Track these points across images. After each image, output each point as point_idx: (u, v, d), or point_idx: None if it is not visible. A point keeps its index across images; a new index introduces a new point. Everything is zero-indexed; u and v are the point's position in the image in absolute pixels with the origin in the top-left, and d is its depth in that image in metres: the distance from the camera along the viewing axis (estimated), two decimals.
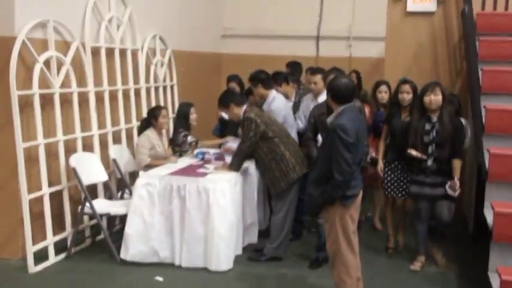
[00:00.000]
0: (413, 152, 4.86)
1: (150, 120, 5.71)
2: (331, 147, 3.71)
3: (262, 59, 8.43)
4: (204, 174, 5.07)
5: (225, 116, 5.95)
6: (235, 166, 5.15)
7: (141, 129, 5.75)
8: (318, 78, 5.73)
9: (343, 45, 8.71)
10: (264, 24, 9.06)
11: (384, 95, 5.79)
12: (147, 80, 6.81)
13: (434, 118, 4.83)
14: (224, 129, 6.48)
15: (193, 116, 6.05)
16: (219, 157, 5.82)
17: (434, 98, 4.80)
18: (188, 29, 8.05)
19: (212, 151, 6.07)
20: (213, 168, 5.29)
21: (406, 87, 5.15)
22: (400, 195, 5.32)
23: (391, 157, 5.25)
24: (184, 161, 5.66)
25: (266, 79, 5.74)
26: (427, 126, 4.83)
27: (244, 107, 5.22)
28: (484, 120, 5.14)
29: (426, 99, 4.83)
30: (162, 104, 7.02)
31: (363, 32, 8.54)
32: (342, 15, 8.71)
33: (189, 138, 5.97)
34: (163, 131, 5.86)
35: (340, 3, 8.74)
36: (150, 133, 5.63)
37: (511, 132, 5.07)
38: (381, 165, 5.32)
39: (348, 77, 4.70)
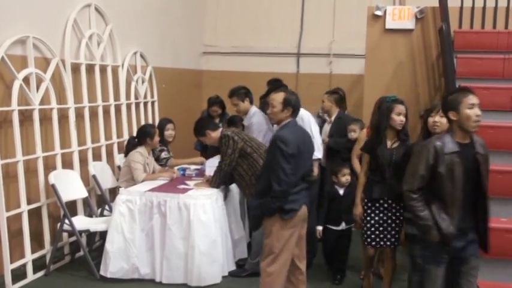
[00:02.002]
0: None
1: (142, 138, 5.73)
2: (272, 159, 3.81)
3: (243, 75, 8.53)
4: (184, 190, 5.08)
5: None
6: (216, 184, 5.18)
7: (131, 146, 5.75)
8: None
9: (324, 62, 8.87)
10: (245, 41, 9.15)
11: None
12: (128, 97, 6.83)
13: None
14: (204, 144, 6.52)
15: (168, 132, 6.13)
16: (200, 173, 5.85)
17: (440, 120, 4.04)
18: (169, 46, 8.11)
19: (193, 167, 6.10)
20: (194, 185, 5.32)
21: (402, 108, 4.28)
22: (389, 243, 4.38)
23: (377, 194, 4.32)
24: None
25: (248, 94, 5.86)
26: None
27: (220, 129, 5.33)
28: None
29: (430, 120, 4.13)
30: (142, 120, 7.09)
31: (343, 49, 8.69)
32: (323, 32, 8.86)
33: (163, 155, 6.04)
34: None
35: (320, 21, 8.89)
36: (142, 151, 5.67)
37: (491, 149, 5.21)
38: (359, 209, 4.44)
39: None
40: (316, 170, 5.31)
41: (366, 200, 4.40)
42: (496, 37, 6.23)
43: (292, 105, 3.92)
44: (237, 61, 9.15)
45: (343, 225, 5.13)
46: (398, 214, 4.34)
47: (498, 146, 5.01)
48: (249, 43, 9.13)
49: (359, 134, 5.53)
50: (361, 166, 4.61)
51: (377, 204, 4.35)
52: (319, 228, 5.16)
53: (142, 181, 5.47)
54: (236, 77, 8.34)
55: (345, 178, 5.11)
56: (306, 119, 5.33)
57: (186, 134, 6.67)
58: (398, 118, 4.27)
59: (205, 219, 4.86)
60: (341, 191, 5.13)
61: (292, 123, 3.95)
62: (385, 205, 4.34)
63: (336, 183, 5.15)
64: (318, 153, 5.34)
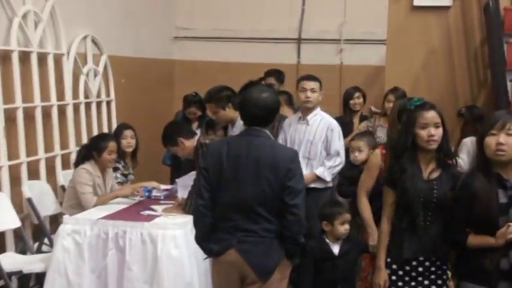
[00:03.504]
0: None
1: (89, 152, 5.67)
2: None
3: (226, 67, 8.54)
4: (150, 218, 5.03)
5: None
6: (191, 209, 5.03)
7: (81, 161, 5.71)
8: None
9: (332, 49, 8.83)
10: (229, 23, 9.14)
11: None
12: (76, 95, 6.77)
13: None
14: (176, 157, 6.43)
15: (125, 141, 6.11)
16: (171, 195, 5.79)
17: (507, 140, 3.40)
18: (130, 28, 8.06)
19: (162, 187, 6.06)
20: (162, 210, 5.26)
21: (431, 117, 3.71)
22: None
23: (410, 252, 3.79)
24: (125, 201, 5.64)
25: (231, 97, 5.79)
26: (502, 197, 3.44)
27: (197, 136, 5.33)
28: None
29: (490, 141, 3.44)
30: (95, 126, 7.00)
31: (357, 33, 8.68)
32: (331, 11, 8.84)
33: (118, 174, 5.98)
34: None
35: None
36: (90, 168, 5.59)
37: None
38: (383, 275, 3.88)
39: None
40: None
41: (389, 261, 3.86)
42: None
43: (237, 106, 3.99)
44: (219, 48, 9.12)
45: None
46: (440, 282, 3.84)
47: None
48: (234, 25, 9.11)
49: (368, 155, 5.00)
50: (383, 208, 3.95)
51: (408, 268, 3.82)
52: None
53: (95, 206, 5.40)
54: (218, 69, 8.35)
55: (344, 228, 4.47)
56: (336, 130, 5.74)
57: (153, 143, 6.57)
58: (425, 133, 3.68)
59: (177, 255, 4.79)
60: (335, 249, 4.50)
61: (243, 132, 3.94)
62: (420, 268, 3.81)
63: (328, 236, 4.54)
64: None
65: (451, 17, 6.92)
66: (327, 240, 4.52)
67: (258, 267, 3.76)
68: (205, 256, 3.99)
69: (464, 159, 5.52)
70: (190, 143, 5.23)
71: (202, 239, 3.90)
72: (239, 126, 5.75)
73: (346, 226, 4.48)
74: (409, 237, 3.77)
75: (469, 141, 5.84)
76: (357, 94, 7.17)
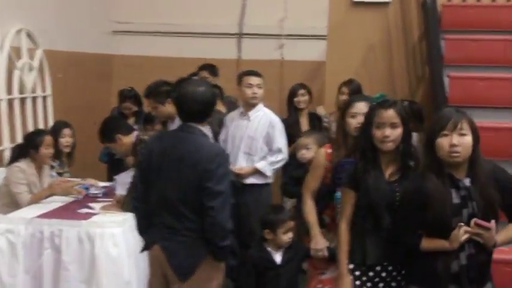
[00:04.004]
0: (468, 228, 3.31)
1: (25, 149, 5.58)
2: None
3: (167, 62, 8.45)
4: (87, 216, 4.98)
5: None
6: (130, 207, 5.01)
7: (15, 158, 5.61)
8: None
9: (273, 45, 8.83)
10: (169, 18, 9.06)
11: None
12: (10, 90, 6.62)
13: (465, 179, 3.38)
14: (113, 154, 6.40)
15: (64, 140, 6.04)
16: (109, 192, 5.74)
17: (461, 141, 3.30)
18: (66, 22, 7.93)
19: (100, 184, 6.01)
20: (100, 208, 5.21)
21: (387, 117, 3.59)
22: None
23: (374, 257, 3.65)
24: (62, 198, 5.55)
25: (171, 92, 5.77)
26: (455, 197, 3.36)
27: (135, 132, 5.32)
28: None
29: (442, 143, 3.34)
30: (30, 122, 6.88)
31: (298, 29, 8.69)
32: (272, 6, 8.84)
33: (53, 173, 5.91)
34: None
35: None
36: (24, 166, 5.49)
37: (492, 157, 5.26)
38: (347, 279, 3.68)
39: None
40: None
41: (352, 267, 3.69)
42: (495, 13, 6.38)
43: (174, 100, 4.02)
44: (159, 43, 9.04)
45: None
46: None
47: (500, 154, 5.05)
48: (174, 20, 9.04)
49: (315, 153, 4.64)
50: (341, 211, 3.81)
51: (371, 273, 3.68)
52: None
53: (28, 204, 5.31)
54: (157, 65, 8.27)
55: (288, 236, 4.33)
56: (278, 126, 5.72)
57: (91, 141, 6.50)
58: (380, 133, 3.57)
59: (116, 254, 4.75)
60: (278, 257, 4.38)
61: (184, 128, 3.92)
62: (384, 274, 3.69)
63: (270, 244, 4.39)
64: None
65: (390, 13, 7.01)
66: (269, 249, 4.38)
67: (177, 266, 3.79)
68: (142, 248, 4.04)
69: None
70: (128, 140, 5.20)
71: (139, 231, 3.97)
72: (178, 121, 5.75)
73: (290, 234, 4.34)
74: (373, 241, 3.63)
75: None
76: (301, 91, 6.77)
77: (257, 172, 5.73)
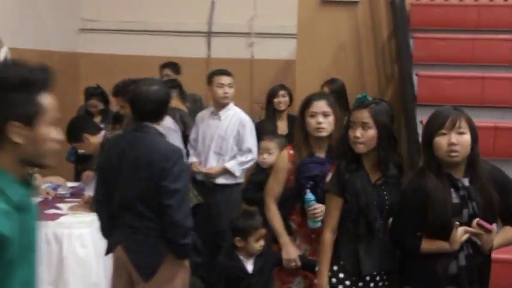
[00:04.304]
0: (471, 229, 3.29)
1: None
2: None
3: (135, 60, 8.43)
4: (54, 217, 4.95)
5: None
6: None
7: None
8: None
9: (243, 43, 8.86)
10: (137, 16, 9.03)
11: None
12: None
13: (464, 179, 3.35)
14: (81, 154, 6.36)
15: None
16: (77, 192, 5.71)
17: (460, 140, 3.25)
18: (31, 19, 7.85)
19: (68, 184, 5.97)
20: (68, 208, 5.19)
21: (361, 117, 3.49)
22: None
23: (368, 265, 3.53)
24: None
25: None
26: (455, 197, 3.33)
27: (103, 132, 5.28)
28: (420, 140, 5.38)
29: (441, 142, 3.28)
30: None
31: (268, 27, 8.72)
32: (241, 4, 8.85)
33: None
34: None
35: None
36: None
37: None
38: None
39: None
40: None
41: (343, 277, 3.56)
42: (463, 12, 6.45)
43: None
44: (127, 41, 8.99)
45: None
46: None
47: None
48: (143, 18, 9.01)
49: (276, 156, 4.60)
50: (325, 218, 3.70)
51: (361, 284, 3.56)
52: None
53: None
54: (126, 63, 8.23)
55: (260, 244, 4.12)
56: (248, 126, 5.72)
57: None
58: (351, 134, 3.49)
59: (84, 255, 4.75)
60: (249, 266, 4.16)
61: (139, 128, 3.93)
62: (372, 284, 3.59)
63: (241, 252, 4.16)
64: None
65: (359, 12, 7.03)
66: (240, 257, 4.15)
67: (139, 265, 3.80)
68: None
69: None
70: (95, 139, 5.16)
71: (103, 234, 4.00)
72: None
73: (262, 242, 4.13)
74: (366, 247, 3.51)
75: None
76: (281, 92, 6.47)
77: (227, 172, 5.74)
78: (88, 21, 9.18)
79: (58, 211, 5.12)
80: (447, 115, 3.26)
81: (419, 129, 5.44)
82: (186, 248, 3.78)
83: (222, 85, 5.86)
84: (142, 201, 3.75)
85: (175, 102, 6.20)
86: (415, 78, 5.91)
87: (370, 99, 3.60)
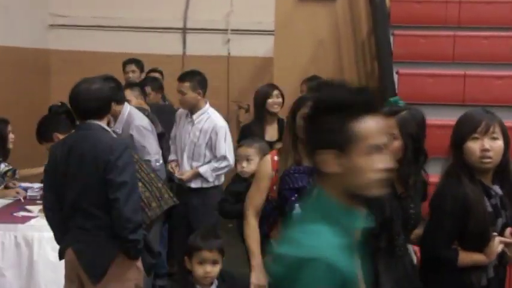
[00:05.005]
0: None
1: None
2: None
3: (107, 57, 8.38)
4: (24, 219, 4.92)
5: None
6: None
7: None
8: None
9: (219, 40, 8.85)
10: (109, 11, 8.99)
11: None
12: None
13: (495, 186, 3.28)
14: None
15: (11, 136, 5.91)
16: None
17: (493, 146, 3.15)
18: (0, 15, 7.80)
19: (37, 185, 5.90)
20: (39, 211, 5.09)
21: (392, 124, 3.20)
22: None
23: (387, 283, 3.26)
24: None
25: (117, 89, 5.68)
26: (488, 206, 3.23)
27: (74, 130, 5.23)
28: None
29: (473, 147, 3.17)
30: None
31: (245, 24, 8.73)
32: (217, 0, 8.86)
33: (2, 166, 5.79)
34: None
35: None
36: None
37: (431, 155, 5.35)
38: None
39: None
40: None
41: None
42: (444, 8, 6.49)
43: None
44: (99, 38, 8.96)
45: None
46: None
47: (446, 153, 5.11)
48: (115, 14, 8.98)
49: (257, 163, 4.18)
50: None
51: None
52: None
53: None
54: (98, 60, 8.19)
55: (204, 270, 3.65)
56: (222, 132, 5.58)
57: (27, 138, 6.38)
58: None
59: (55, 259, 4.54)
60: None
61: (82, 127, 3.94)
62: None
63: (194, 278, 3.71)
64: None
65: (338, 8, 7.06)
66: (197, 286, 3.70)
67: (87, 266, 3.78)
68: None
69: None
70: None
71: (56, 241, 3.99)
72: (122, 121, 5.70)
73: (208, 268, 3.62)
74: (386, 263, 3.26)
75: None
76: (275, 92, 5.88)
77: (200, 176, 5.70)
78: (58, 17, 9.12)
79: (28, 213, 5.08)
80: (480, 119, 3.14)
81: None
82: (134, 244, 3.72)
83: (178, 92, 5.84)
84: (90, 199, 3.74)
85: (138, 102, 6.18)
86: (395, 76, 5.93)
87: (402, 105, 3.42)
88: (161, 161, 5.77)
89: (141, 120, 5.67)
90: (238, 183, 4.44)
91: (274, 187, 3.63)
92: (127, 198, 3.65)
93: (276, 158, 3.67)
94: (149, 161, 5.52)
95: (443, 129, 5.30)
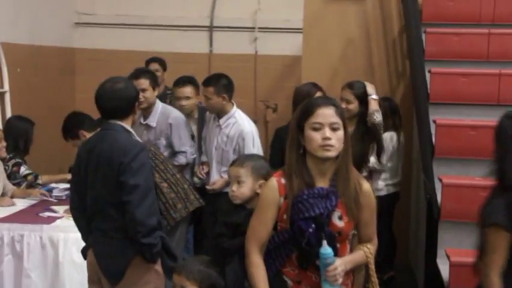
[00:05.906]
0: None
1: None
2: None
3: (132, 56, 8.38)
4: (50, 220, 4.96)
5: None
6: None
7: None
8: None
9: (246, 38, 8.82)
10: (135, 9, 9.01)
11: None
12: None
13: None
14: None
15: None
16: None
17: None
18: (25, 13, 7.84)
19: (63, 185, 5.98)
20: (64, 211, 5.16)
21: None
22: None
23: None
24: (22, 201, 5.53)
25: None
26: None
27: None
28: (434, 140, 5.40)
29: None
30: None
31: (272, 22, 8.69)
32: None
33: (22, 169, 5.85)
34: None
35: None
36: None
37: (464, 156, 5.34)
38: None
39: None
40: None
41: None
42: (478, 5, 6.42)
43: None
44: (125, 36, 8.97)
45: None
46: None
47: (481, 153, 5.06)
48: (141, 12, 8.98)
49: (252, 190, 3.63)
50: (490, 256, 3.19)
51: None
52: None
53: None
54: (123, 59, 8.21)
55: None
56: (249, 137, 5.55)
57: (51, 140, 6.46)
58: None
59: (80, 260, 4.59)
60: None
61: (105, 126, 3.98)
62: None
63: None
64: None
65: (368, 6, 7.02)
66: None
67: (106, 268, 3.82)
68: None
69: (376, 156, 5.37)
70: None
71: (84, 241, 4.03)
72: (156, 114, 5.83)
73: None
74: None
75: (388, 137, 5.95)
76: (319, 93, 5.14)
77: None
78: (83, 15, 9.16)
79: (53, 214, 5.14)
80: None
81: (433, 129, 5.44)
82: (149, 248, 3.70)
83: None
84: (107, 201, 3.77)
85: None
86: (427, 75, 5.89)
87: None
88: (195, 155, 5.96)
89: (179, 113, 5.89)
90: (235, 213, 3.65)
91: (284, 216, 3.15)
92: (140, 202, 3.66)
93: (283, 180, 3.17)
94: (185, 152, 5.72)
95: (476, 130, 5.32)
